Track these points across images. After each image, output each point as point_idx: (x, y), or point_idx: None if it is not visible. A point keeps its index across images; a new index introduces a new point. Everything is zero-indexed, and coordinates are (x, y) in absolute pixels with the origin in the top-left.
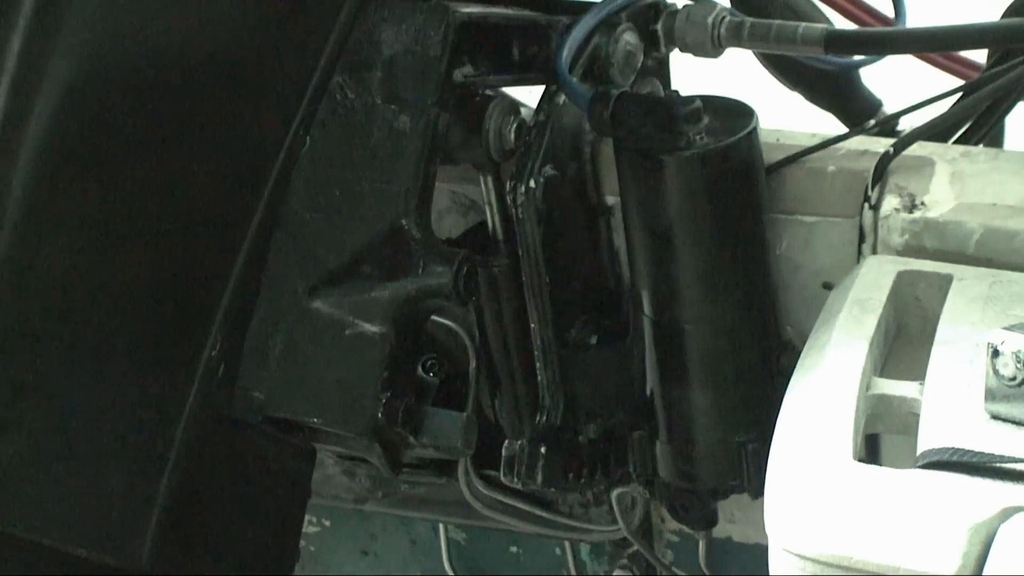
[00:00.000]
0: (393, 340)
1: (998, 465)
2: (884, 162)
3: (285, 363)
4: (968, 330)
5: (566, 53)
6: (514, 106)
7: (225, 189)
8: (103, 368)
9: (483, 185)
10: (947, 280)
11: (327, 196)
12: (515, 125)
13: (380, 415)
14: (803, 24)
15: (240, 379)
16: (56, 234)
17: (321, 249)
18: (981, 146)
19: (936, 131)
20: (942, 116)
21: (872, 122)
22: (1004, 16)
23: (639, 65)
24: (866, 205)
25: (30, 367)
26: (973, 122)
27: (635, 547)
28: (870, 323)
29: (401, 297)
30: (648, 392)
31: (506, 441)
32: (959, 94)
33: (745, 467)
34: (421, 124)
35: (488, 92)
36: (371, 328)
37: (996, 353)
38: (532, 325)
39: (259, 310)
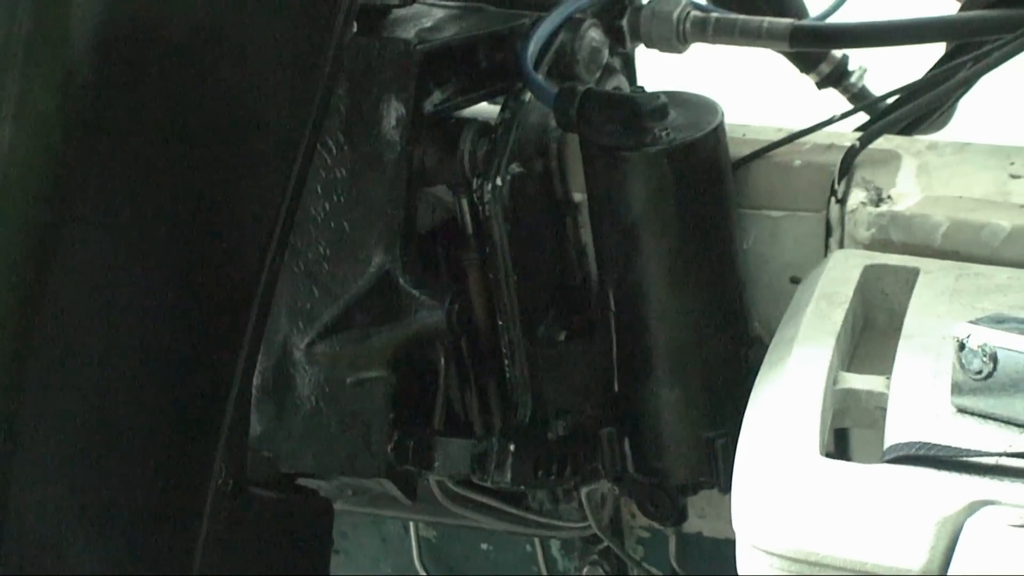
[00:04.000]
0: (394, 382)
1: (965, 459)
2: (850, 156)
3: (291, 419)
4: (935, 323)
5: (531, 50)
6: (487, 127)
7: (223, 302)
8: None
9: (457, 202)
10: (914, 273)
11: (313, 251)
12: (488, 147)
13: (391, 455)
14: (767, 19)
15: (250, 440)
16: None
17: (314, 304)
18: (947, 139)
19: (901, 124)
20: (906, 109)
21: (838, 114)
22: (962, 9)
23: (604, 61)
24: (833, 199)
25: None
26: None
27: (605, 543)
28: (837, 317)
29: (396, 342)
30: (617, 388)
31: (474, 439)
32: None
33: (714, 463)
34: (395, 165)
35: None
36: (371, 375)
37: (962, 347)
38: (500, 322)
39: (260, 370)
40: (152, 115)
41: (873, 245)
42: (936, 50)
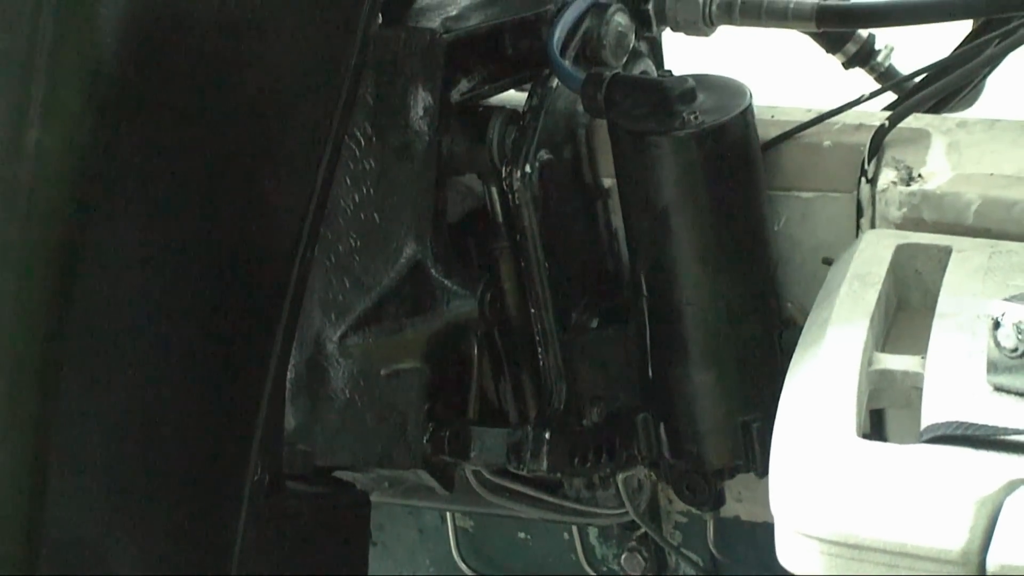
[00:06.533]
0: (428, 373)
1: (1002, 438)
2: (880, 135)
3: (326, 413)
4: (969, 302)
5: (557, 36)
6: (515, 115)
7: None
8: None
9: (486, 191)
10: (946, 252)
11: (344, 243)
12: (517, 134)
13: (427, 446)
14: (793, 0)
15: (285, 435)
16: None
17: (346, 296)
18: (976, 116)
19: (930, 102)
20: (935, 87)
21: (866, 94)
22: None
23: (631, 46)
24: (863, 179)
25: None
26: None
27: (643, 529)
28: (870, 298)
29: (429, 332)
30: (651, 374)
31: (510, 428)
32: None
33: (750, 446)
34: (424, 155)
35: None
36: (405, 366)
37: (997, 325)
38: (532, 310)
39: (294, 364)
40: (179, 111)
41: (905, 224)
42: (963, 27)
